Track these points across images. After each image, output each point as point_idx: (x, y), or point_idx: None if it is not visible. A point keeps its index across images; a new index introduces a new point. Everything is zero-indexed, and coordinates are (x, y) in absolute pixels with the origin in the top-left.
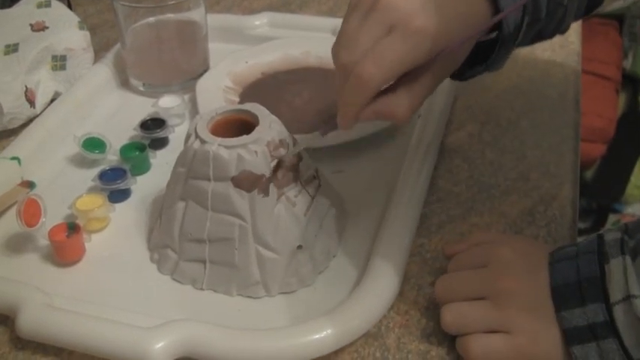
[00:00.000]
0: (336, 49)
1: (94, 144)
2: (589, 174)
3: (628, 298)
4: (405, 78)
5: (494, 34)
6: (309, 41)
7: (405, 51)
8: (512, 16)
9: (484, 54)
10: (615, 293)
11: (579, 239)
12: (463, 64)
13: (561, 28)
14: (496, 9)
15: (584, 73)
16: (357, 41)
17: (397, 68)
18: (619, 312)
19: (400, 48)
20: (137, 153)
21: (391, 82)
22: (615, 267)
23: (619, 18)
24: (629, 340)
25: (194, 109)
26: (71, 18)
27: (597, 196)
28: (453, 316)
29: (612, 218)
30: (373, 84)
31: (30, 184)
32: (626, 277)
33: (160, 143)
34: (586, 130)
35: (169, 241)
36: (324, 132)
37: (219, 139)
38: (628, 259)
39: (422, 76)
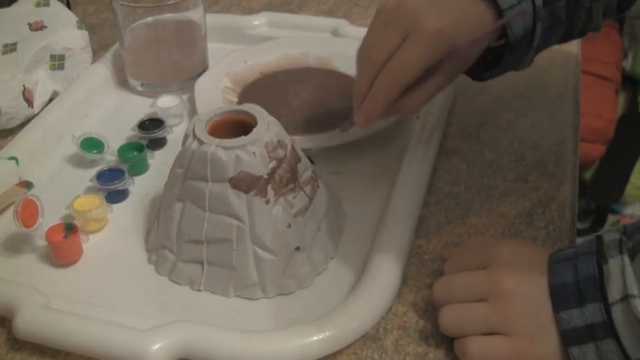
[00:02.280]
0: (363, 50)
1: (92, 144)
2: (588, 174)
3: (626, 297)
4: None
5: (503, 40)
6: (307, 41)
7: (423, 52)
8: (519, 23)
9: (501, 57)
10: (614, 293)
11: (578, 240)
12: (481, 66)
13: (591, 27)
14: (499, 15)
15: (583, 74)
16: (382, 43)
17: (419, 68)
18: (617, 312)
19: (418, 50)
20: (135, 153)
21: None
22: (614, 267)
23: (619, 19)
24: (628, 341)
25: (192, 109)
26: (70, 17)
27: (596, 196)
28: (451, 317)
29: (611, 219)
30: (400, 85)
31: (28, 184)
32: (625, 277)
33: (158, 143)
34: (585, 131)
35: (167, 242)
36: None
37: (217, 140)
38: (626, 259)
39: (434, 74)
